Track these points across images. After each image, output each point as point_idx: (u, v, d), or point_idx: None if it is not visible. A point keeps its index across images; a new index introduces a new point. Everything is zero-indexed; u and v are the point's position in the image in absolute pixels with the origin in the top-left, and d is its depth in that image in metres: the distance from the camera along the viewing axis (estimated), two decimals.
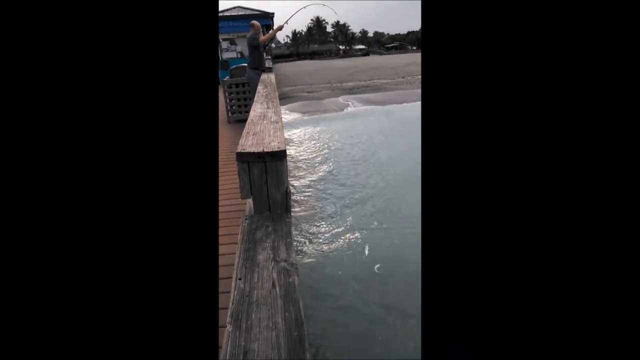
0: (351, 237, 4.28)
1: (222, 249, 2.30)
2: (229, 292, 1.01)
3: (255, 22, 5.46)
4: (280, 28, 5.90)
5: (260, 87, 3.71)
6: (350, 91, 14.27)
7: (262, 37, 5.27)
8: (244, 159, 1.44)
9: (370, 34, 72.56)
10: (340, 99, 12.92)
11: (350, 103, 12.42)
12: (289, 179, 1.62)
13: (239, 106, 6.27)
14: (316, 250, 4.05)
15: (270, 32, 5.34)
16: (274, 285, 1.02)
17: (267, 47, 5.78)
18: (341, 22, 64.61)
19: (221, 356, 0.79)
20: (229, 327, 0.86)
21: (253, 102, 2.85)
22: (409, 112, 10.36)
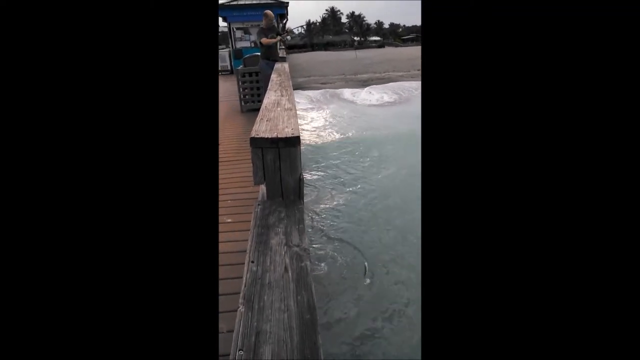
0: None
1: (235, 236, 2.32)
2: (241, 277, 1.01)
3: (268, 11, 5.39)
4: (282, 39, 5.87)
5: (274, 76, 3.70)
6: (365, 83, 14.12)
7: (263, 40, 5.21)
8: (258, 144, 1.43)
9: (386, 25, 71.57)
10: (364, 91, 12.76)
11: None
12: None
13: (252, 95, 6.27)
14: None
15: (274, 39, 5.30)
16: (286, 269, 1.02)
17: (281, 38, 5.74)
18: (356, 13, 63.90)
19: (233, 336, 0.80)
20: (241, 308, 0.86)
21: (266, 91, 2.84)
22: None
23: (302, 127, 7.92)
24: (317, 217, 4.57)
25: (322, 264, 3.56)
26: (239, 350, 0.74)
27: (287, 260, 1.06)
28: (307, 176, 5.82)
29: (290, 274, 1.00)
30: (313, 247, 3.80)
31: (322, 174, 6.12)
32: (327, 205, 4.92)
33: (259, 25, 5.45)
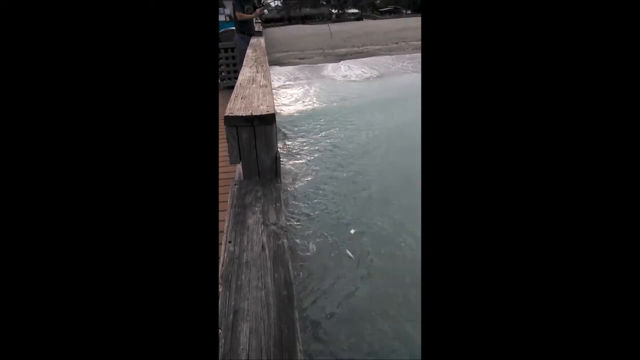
0: None
1: None
2: (219, 256, 1.02)
3: None
4: (261, 12, 5.68)
5: (249, 51, 3.60)
6: (343, 57, 13.93)
7: (239, 15, 5.01)
8: (232, 122, 1.41)
9: None
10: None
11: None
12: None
13: (228, 72, 6.10)
14: None
15: (250, 15, 5.09)
16: (263, 247, 1.02)
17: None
18: None
19: None
20: (219, 288, 0.87)
21: (242, 66, 2.77)
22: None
23: (278, 106, 7.84)
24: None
25: None
26: (217, 329, 0.75)
27: (264, 239, 1.06)
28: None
29: (267, 252, 1.00)
30: None
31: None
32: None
33: None
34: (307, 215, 4.09)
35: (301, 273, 3.15)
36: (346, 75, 11.64)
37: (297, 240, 3.58)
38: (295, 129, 6.99)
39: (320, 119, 7.40)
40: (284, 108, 8.25)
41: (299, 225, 3.90)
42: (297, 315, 0.79)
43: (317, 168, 5.28)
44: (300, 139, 6.44)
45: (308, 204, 4.36)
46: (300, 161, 5.58)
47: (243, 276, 0.91)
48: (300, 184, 4.86)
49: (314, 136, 6.52)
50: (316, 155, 5.72)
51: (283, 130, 6.75)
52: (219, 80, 6.10)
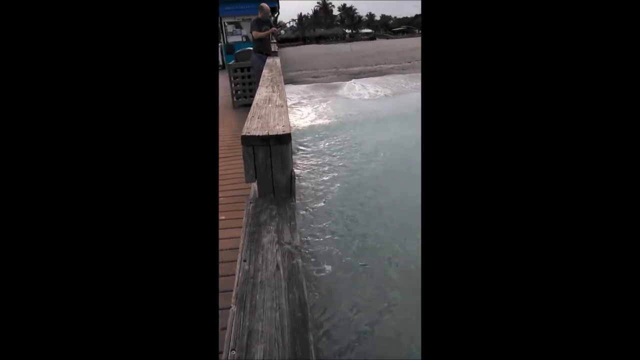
0: None
1: (227, 233, 2.32)
2: (234, 274, 1.02)
3: (264, 4, 5.31)
4: (276, 31, 5.84)
5: (265, 71, 3.68)
6: (357, 76, 14.09)
7: (255, 33, 5.18)
8: (249, 142, 1.43)
9: (377, 18, 71.25)
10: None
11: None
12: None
13: (244, 90, 6.23)
14: None
15: (266, 31, 5.27)
16: (277, 267, 1.02)
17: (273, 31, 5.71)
18: (347, 5, 63.53)
19: (226, 336, 0.80)
20: (233, 308, 0.87)
21: (258, 86, 2.83)
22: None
23: (294, 123, 7.96)
24: None
25: None
26: (232, 350, 0.75)
27: (279, 258, 1.06)
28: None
29: (281, 272, 1.00)
30: None
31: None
32: None
33: (250, 19, 5.41)
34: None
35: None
36: (360, 94, 11.75)
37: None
38: (310, 145, 7.06)
39: (335, 137, 7.45)
40: (299, 125, 8.35)
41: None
42: (311, 337, 0.78)
43: (333, 189, 5.28)
44: (314, 158, 6.49)
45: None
46: (315, 179, 5.60)
47: (257, 296, 0.91)
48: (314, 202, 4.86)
49: (328, 157, 6.56)
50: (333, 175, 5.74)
51: (297, 146, 6.82)
52: (235, 99, 6.23)
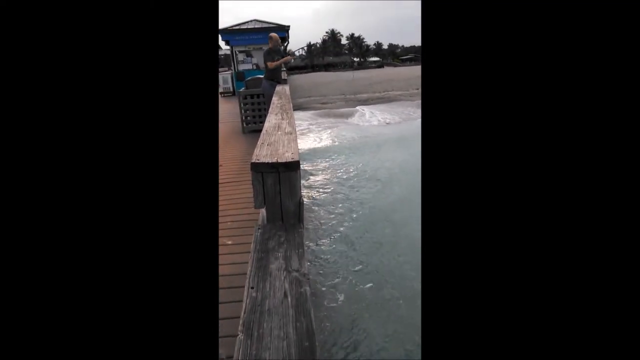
0: None
1: (235, 258, 2.32)
2: (241, 300, 1.02)
3: (274, 34, 5.49)
4: (289, 58, 6.03)
5: (275, 99, 3.76)
6: (365, 102, 14.30)
7: (270, 64, 5.36)
8: (259, 169, 1.45)
9: (385, 46, 72.98)
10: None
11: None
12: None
13: (254, 117, 6.36)
14: None
15: (279, 60, 5.45)
16: (285, 295, 1.02)
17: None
18: (356, 35, 65.28)
19: None
20: (240, 336, 0.86)
21: (268, 112, 2.89)
22: None
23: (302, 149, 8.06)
24: None
25: None
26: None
27: (287, 286, 1.06)
28: None
29: (289, 299, 1.00)
30: None
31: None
32: None
33: (260, 48, 5.59)
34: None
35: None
36: (369, 121, 11.89)
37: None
38: (319, 167, 7.12)
39: (342, 160, 7.51)
40: (307, 150, 8.43)
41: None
42: None
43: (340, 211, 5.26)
44: (323, 182, 6.52)
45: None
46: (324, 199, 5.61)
47: (265, 324, 0.90)
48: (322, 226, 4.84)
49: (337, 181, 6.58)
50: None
51: (305, 168, 6.89)
52: (245, 124, 6.36)
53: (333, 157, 7.89)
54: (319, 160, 7.64)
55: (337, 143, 9.01)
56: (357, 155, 7.85)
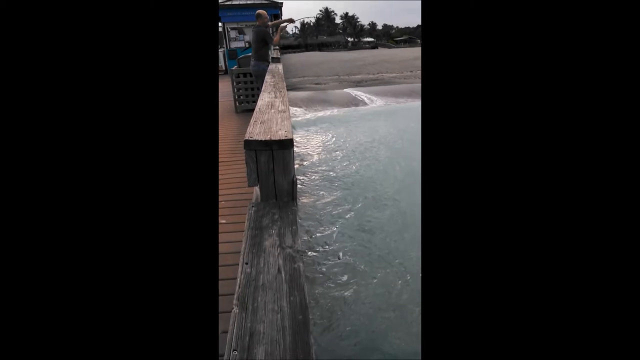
0: None
1: (228, 237, 2.33)
2: (236, 277, 1.03)
3: (262, 11, 5.22)
4: (291, 20, 5.84)
5: (268, 77, 3.71)
6: (358, 84, 14.17)
7: (275, 39, 5.17)
8: (252, 146, 1.45)
9: (379, 27, 71.86)
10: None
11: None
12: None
13: (247, 96, 6.27)
14: None
15: (279, 26, 5.26)
16: (279, 270, 1.03)
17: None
18: (350, 14, 64.08)
19: (227, 337, 0.81)
20: (235, 309, 0.88)
21: (260, 92, 2.85)
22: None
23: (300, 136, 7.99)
24: None
25: None
26: (233, 351, 0.76)
27: (281, 262, 1.07)
28: None
29: (283, 275, 1.01)
30: None
31: None
32: None
33: (253, 25, 5.39)
34: None
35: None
36: (362, 100, 11.80)
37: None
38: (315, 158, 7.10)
39: (340, 151, 7.49)
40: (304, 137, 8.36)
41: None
42: (312, 340, 0.79)
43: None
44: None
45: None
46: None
47: (259, 298, 0.91)
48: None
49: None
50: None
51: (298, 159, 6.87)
52: (238, 104, 6.27)
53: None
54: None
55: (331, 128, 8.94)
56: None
